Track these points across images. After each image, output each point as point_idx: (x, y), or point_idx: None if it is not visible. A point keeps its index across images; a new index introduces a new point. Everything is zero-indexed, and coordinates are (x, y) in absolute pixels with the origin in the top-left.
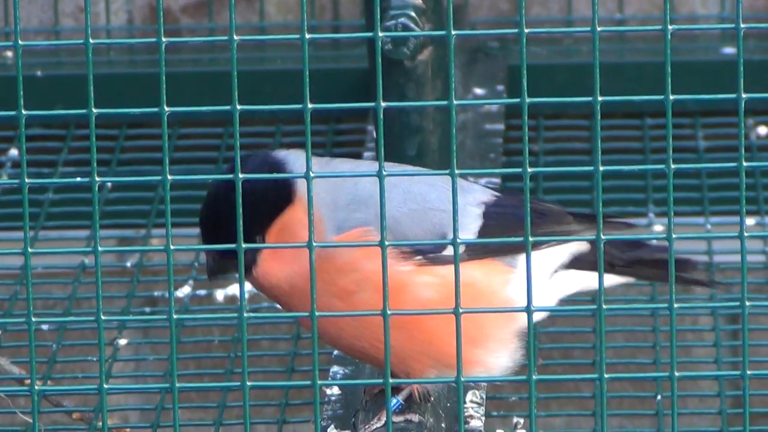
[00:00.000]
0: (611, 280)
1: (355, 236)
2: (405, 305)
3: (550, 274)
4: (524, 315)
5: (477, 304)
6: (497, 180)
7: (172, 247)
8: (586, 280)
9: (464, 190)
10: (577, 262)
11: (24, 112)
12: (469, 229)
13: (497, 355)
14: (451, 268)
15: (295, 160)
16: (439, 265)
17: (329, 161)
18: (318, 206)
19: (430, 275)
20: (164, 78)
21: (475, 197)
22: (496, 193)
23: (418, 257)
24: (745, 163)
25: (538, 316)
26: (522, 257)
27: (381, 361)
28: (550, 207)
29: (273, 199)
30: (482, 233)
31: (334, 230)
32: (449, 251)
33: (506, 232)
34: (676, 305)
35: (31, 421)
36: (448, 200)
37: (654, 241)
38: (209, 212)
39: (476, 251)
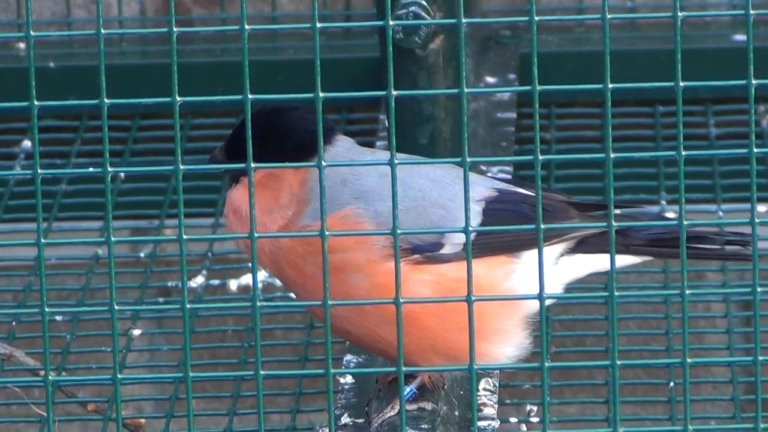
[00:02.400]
0: (626, 260)
1: (339, 217)
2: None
3: (555, 260)
4: (529, 304)
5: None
6: (509, 168)
7: (185, 237)
8: (594, 263)
9: (469, 185)
10: (583, 246)
11: (36, 103)
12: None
13: (502, 347)
14: (447, 266)
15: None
16: (436, 264)
17: (359, 151)
18: (312, 188)
19: (426, 273)
20: (176, 68)
21: (476, 192)
22: (500, 187)
23: (416, 255)
24: (756, 150)
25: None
26: (525, 252)
27: (382, 351)
28: (554, 203)
29: (294, 144)
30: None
31: (313, 214)
32: (447, 250)
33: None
34: (688, 292)
35: (44, 412)
36: (449, 197)
37: (672, 215)
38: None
39: (476, 249)
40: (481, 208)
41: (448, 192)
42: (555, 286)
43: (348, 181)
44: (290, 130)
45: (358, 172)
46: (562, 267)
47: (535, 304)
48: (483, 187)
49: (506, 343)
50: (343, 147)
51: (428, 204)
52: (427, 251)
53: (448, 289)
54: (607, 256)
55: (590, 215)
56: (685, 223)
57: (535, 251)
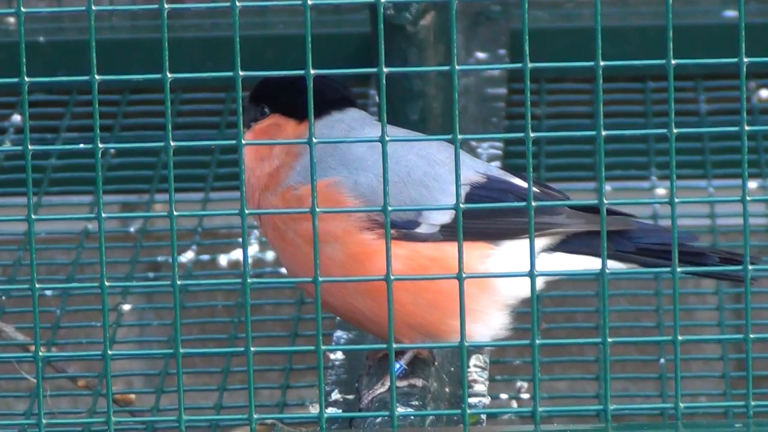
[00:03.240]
0: (612, 265)
1: (320, 186)
2: (369, 272)
3: (535, 255)
4: (505, 289)
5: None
6: (500, 144)
7: (175, 212)
8: (573, 264)
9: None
10: (565, 246)
11: (27, 78)
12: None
13: (474, 325)
14: (422, 244)
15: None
16: (410, 241)
17: (364, 120)
18: (299, 155)
19: (400, 248)
20: (167, 44)
21: (463, 176)
22: (491, 174)
23: (391, 230)
24: (746, 127)
25: (526, 290)
26: (505, 242)
27: (359, 323)
28: (546, 195)
29: (299, 102)
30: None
31: (299, 176)
32: (423, 229)
33: (486, 217)
34: (678, 269)
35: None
36: (433, 176)
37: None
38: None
39: (452, 233)
40: (464, 191)
41: (435, 171)
42: (524, 285)
43: (338, 147)
44: (305, 89)
45: (355, 144)
46: (541, 262)
47: (512, 290)
48: (472, 171)
49: (479, 322)
50: (349, 116)
51: (411, 181)
52: (403, 227)
53: (420, 267)
54: (588, 259)
55: (582, 219)
56: (676, 200)
57: (514, 242)
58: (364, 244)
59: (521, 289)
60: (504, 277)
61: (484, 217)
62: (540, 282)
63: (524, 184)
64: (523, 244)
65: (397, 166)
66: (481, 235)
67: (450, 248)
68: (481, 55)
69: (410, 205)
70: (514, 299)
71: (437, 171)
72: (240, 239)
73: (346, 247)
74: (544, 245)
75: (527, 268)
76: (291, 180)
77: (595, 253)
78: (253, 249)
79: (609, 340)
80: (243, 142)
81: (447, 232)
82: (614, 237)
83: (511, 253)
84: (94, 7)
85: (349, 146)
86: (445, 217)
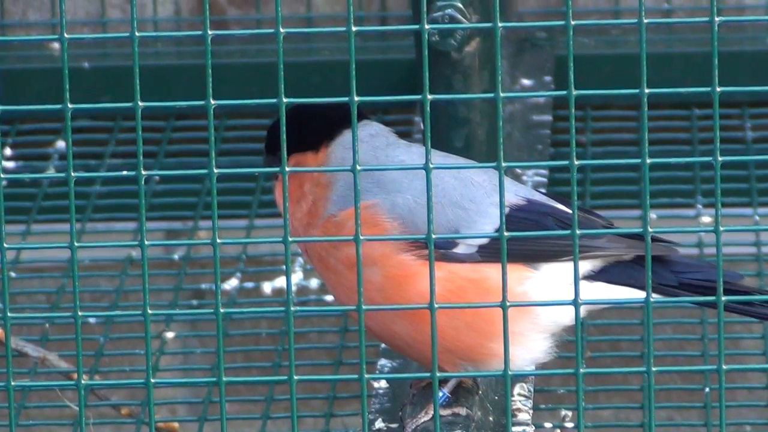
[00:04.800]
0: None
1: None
2: (408, 298)
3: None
4: (545, 312)
5: (487, 299)
6: (544, 171)
7: (218, 240)
8: (613, 294)
9: (495, 189)
10: (606, 275)
11: (70, 104)
12: (481, 229)
13: (513, 348)
14: (460, 265)
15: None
16: (448, 262)
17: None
18: (330, 184)
19: (438, 270)
20: (210, 70)
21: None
22: (532, 197)
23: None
24: None
25: (567, 317)
26: (543, 264)
27: (399, 348)
28: (588, 220)
29: (311, 131)
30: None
31: (336, 206)
32: (461, 249)
33: (525, 239)
34: (723, 297)
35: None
36: (470, 198)
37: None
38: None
39: (490, 253)
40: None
41: (471, 192)
42: (565, 311)
43: (377, 163)
44: (307, 119)
45: (385, 157)
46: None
47: (552, 315)
48: (512, 194)
49: (519, 346)
50: (365, 132)
51: (447, 202)
52: (441, 248)
53: (458, 288)
54: (629, 291)
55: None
56: (722, 229)
57: (553, 264)
58: (403, 266)
59: (561, 314)
60: (548, 305)
61: (523, 239)
62: (583, 310)
63: (567, 209)
64: (561, 267)
65: (434, 188)
66: (519, 257)
67: (489, 269)
68: (526, 81)
69: (447, 225)
70: (553, 324)
71: (474, 193)
72: (284, 266)
73: (385, 270)
74: (584, 271)
75: (566, 292)
76: (329, 210)
77: (636, 285)
78: (297, 276)
79: (653, 368)
80: (287, 169)
81: (485, 253)
82: (657, 270)
83: (550, 276)
84: (137, 33)
85: (385, 172)
86: (483, 238)
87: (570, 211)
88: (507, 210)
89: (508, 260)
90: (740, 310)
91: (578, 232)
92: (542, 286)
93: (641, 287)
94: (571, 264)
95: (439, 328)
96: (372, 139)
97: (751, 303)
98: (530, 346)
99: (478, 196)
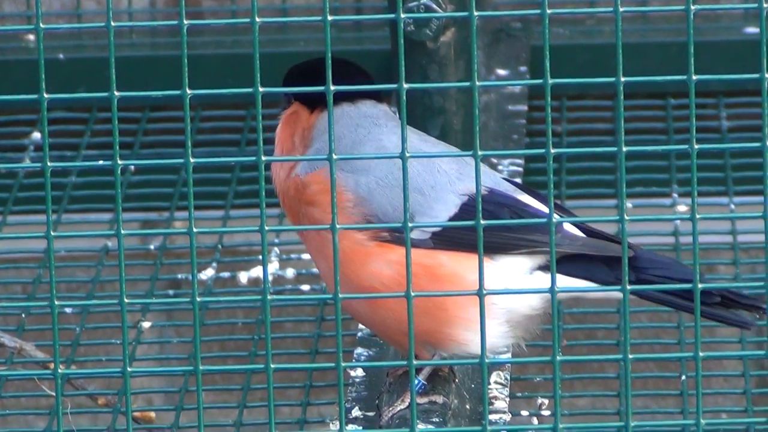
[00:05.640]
0: (615, 294)
1: (322, 174)
2: (361, 276)
3: (530, 270)
4: (499, 300)
5: (438, 285)
6: (520, 160)
7: (195, 229)
8: (569, 284)
9: (459, 178)
10: (565, 266)
11: (46, 95)
12: (437, 216)
13: (465, 333)
14: (414, 250)
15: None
16: (401, 245)
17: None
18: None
19: (393, 253)
20: (186, 60)
21: (464, 187)
22: (496, 188)
23: (384, 234)
24: None
25: (523, 305)
26: (501, 257)
27: (365, 323)
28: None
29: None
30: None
31: (306, 167)
32: (415, 235)
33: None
34: (699, 285)
35: (54, 404)
36: (432, 184)
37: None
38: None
39: (443, 241)
40: (461, 201)
41: (434, 179)
42: (520, 301)
43: (341, 141)
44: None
45: (365, 136)
46: (534, 281)
47: (506, 303)
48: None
49: (473, 331)
50: (360, 111)
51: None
52: (396, 231)
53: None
54: (586, 284)
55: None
56: (698, 217)
57: (510, 258)
58: (359, 243)
59: (515, 302)
60: (524, 293)
61: (468, 229)
62: (543, 299)
63: (530, 201)
64: (517, 260)
65: (395, 168)
66: (475, 248)
67: (442, 256)
68: (501, 71)
69: (402, 209)
70: (508, 311)
71: (437, 179)
72: (260, 256)
73: (341, 243)
74: (539, 264)
75: (520, 282)
76: (299, 169)
77: (593, 279)
78: (273, 266)
79: (630, 356)
80: (263, 158)
81: (438, 240)
82: (616, 265)
83: (506, 268)
84: (113, 24)
85: (354, 144)
86: (432, 219)
87: (531, 204)
88: (466, 198)
89: (466, 250)
90: (716, 316)
91: (554, 220)
92: (498, 276)
93: (598, 281)
94: (523, 257)
95: (396, 313)
96: (361, 119)
97: (727, 310)
98: (488, 333)
99: (440, 183)
